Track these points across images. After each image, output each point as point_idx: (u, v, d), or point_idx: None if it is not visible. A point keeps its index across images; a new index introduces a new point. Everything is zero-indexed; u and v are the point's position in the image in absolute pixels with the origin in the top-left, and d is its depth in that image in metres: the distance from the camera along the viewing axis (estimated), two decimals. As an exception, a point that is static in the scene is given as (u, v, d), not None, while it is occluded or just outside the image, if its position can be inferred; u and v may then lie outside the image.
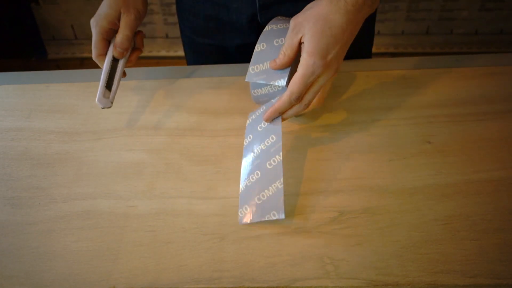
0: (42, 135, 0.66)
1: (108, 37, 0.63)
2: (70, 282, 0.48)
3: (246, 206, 0.52)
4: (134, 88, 0.73)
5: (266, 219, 0.51)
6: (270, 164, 0.53)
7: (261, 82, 0.55)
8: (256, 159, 0.54)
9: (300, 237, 0.51)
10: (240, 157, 0.61)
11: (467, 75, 0.72)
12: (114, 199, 0.56)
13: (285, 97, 0.53)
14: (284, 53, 0.53)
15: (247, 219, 0.52)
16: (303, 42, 0.52)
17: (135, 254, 0.50)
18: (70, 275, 0.49)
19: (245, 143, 0.56)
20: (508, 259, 0.47)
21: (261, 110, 0.57)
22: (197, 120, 0.67)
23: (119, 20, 0.62)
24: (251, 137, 0.56)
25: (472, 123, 0.63)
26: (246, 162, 0.55)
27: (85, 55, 2.04)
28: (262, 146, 0.54)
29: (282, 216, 0.50)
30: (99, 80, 0.76)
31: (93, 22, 0.63)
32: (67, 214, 0.55)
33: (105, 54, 0.63)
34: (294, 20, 0.53)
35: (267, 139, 0.54)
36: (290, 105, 0.53)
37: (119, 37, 0.62)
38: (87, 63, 2.03)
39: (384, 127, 0.63)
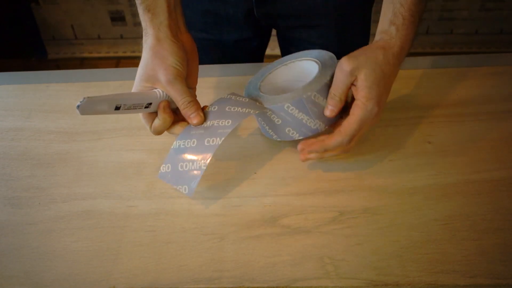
0: (42, 135, 0.66)
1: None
2: (70, 282, 0.48)
3: (169, 165, 0.54)
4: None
5: (177, 189, 0.53)
6: (208, 142, 0.53)
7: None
8: (202, 129, 0.54)
9: (300, 237, 0.51)
10: (240, 157, 0.61)
11: (467, 75, 0.71)
12: (114, 199, 0.56)
13: (338, 138, 0.53)
14: (340, 98, 0.54)
15: (165, 178, 0.54)
16: (354, 85, 0.52)
17: (135, 254, 0.50)
18: (70, 275, 0.49)
19: (207, 109, 0.56)
20: (508, 259, 0.47)
21: (245, 101, 0.57)
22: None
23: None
24: (215, 108, 0.56)
25: (472, 123, 0.63)
26: (192, 126, 0.55)
27: (85, 55, 2.04)
28: (214, 122, 0.54)
29: (190, 195, 0.52)
30: (98, 80, 0.76)
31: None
32: (67, 214, 0.55)
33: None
34: (348, 63, 0.52)
35: (223, 120, 0.54)
36: (341, 145, 0.53)
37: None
38: (87, 63, 2.03)
39: (384, 127, 0.63)
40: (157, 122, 0.54)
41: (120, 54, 2.01)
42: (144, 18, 0.53)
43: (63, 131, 0.67)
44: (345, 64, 0.52)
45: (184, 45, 0.54)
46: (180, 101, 0.53)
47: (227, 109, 0.55)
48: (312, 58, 0.61)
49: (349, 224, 0.52)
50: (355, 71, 0.51)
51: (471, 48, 1.94)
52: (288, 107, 0.55)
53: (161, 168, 0.54)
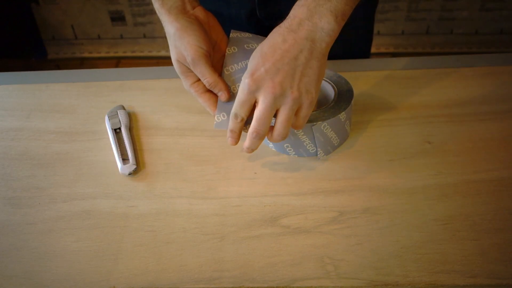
0: (42, 135, 0.66)
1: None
2: (70, 282, 0.48)
3: (224, 113, 0.54)
4: (134, 88, 0.73)
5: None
6: None
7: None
8: (240, 72, 0.55)
9: (300, 237, 0.51)
10: (240, 157, 0.61)
11: (467, 75, 0.72)
12: (114, 199, 0.56)
13: (231, 117, 0.52)
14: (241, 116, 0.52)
15: (223, 126, 0.54)
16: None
17: (135, 254, 0.50)
18: (70, 275, 0.49)
19: (229, 52, 0.56)
20: (508, 259, 0.47)
21: (251, 36, 0.57)
22: (197, 120, 0.67)
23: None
24: (235, 49, 0.56)
25: (472, 123, 0.63)
26: (239, 68, 0.55)
27: (85, 55, 2.04)
28: (244, 63, 0.55)
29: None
30: (98, 80, 0.76)
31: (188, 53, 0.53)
32: (67, 214, 0.55)
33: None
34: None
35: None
36: (235, 123, 0.52)
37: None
38: (87, 63, 2.03)
39: (384, 127, 0.63)
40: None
41: (120, 54, 2.01)
42: (156, 5, 0.55)
43: (63, 131, 0.67)
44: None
45: (198, 16, 0.55)
46: (204, 81, 0.54)
47: (245, 46, 0.56)
48: (329, 81, 0.62)
49: (349, 224, 0.52)
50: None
51: (471, 48, 1.94)
52: None
53: (216, 118, 0.54)
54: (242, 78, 0.50)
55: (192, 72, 0.54)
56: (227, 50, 0.56)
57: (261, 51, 0.50)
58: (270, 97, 0.49)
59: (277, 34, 0.50)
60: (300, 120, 0.52)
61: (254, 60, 0.50)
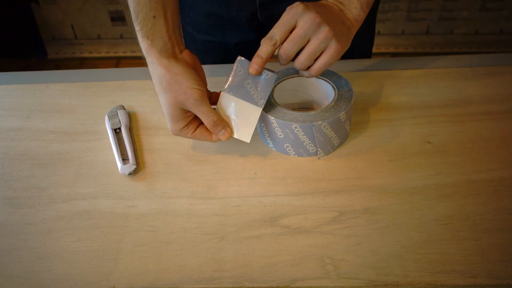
0: (42, 135, 0.66)
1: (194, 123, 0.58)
2: (70, 282, 0.48)
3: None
4: (134, 88, 0.73)
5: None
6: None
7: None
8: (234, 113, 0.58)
9: (300, 237, 0.51)
10: (240, 157, 0.61)
11: (467, 75, 0.72)
12: (114, 199, 0.56)
13: (263, 42, 0.53)
14: (279, 38, 0.53)
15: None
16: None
17: (135, 254, 0.50)
18: (70, 275, 0.49)
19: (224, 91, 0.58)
20: (508, 259, 0.47)
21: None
22: (197, 120, 0.67)
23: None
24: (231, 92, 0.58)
25: (472, 123, 0.63)
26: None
27: (85, 55, 2.04)
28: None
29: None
30: (98, 80, 0.76)
31: (176, 132, 0.57)
32: (67, 214, 0.55)
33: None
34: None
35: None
36: (267, 47, 0.53)
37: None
38: (87, 63, 2.03)
39: (384, 127, 0.63)
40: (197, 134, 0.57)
41: (120, 54, 2.01)
42: (143, 45, 0.54)
43: (63, 131, 0.67)
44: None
45: (187, 61, 0.56)
46: (206, 121, 0.55)
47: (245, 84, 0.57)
48: (329, 81, 0.62)
49: (349, 224, 0.52)
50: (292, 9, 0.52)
51: (471, 48, 1.94)
52: (295, 127, 0.56)
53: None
54: (289, 6, 0.52)
55: (185, 116, 0.55)
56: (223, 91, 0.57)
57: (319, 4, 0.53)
58: (309, 23, 0.51)
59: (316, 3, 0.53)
60: (318, 63, 0.54)
61: (315, 6, 0.52)
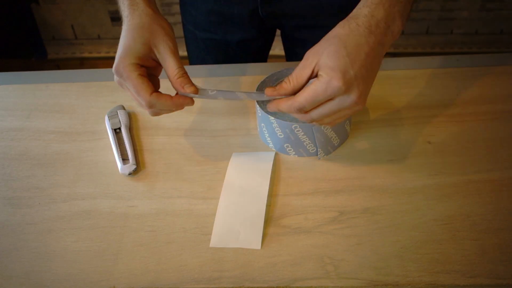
0: (42, 135, 0.66)
1: (144, 74, 0.51)
2: (70, 282, 0.48)
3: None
4: (134, 88, 0.73)
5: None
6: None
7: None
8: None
9: (300, 237, 0.51)
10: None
11: (467, 75, 0.72)
12: (114, 199, 0.56)
13: (289, 101, 0.49)
14: (289, 81, 0.49)
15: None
16: (317, 71, 0.47)
17: (135, 254, 0.50)
18: (70, 275, 0.49)
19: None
20: (508, 259, 0.47)
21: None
22: (197, 120, 0.67)
23: (149, 57, 0.51)
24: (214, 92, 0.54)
25: (472, 123, 0.63)
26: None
27: (85, 55, 2.04)
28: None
29: None
30: (98, 80, 0.76)
31: (120, 66, 0.50)
32: (67, 214, 0.55)
33: (157, 89, 0.52)
34: (309, 52, 0.49)
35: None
36: (289, 111, 0.50)
37: (176, 74, 0.51)
38: (87, 63, 2.03)
39: (384, 127, 0.63)
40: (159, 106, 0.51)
41: (120, 54, 2.01)
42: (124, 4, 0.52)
43: (63, 131, 0.67)
44: (306, 54, 0.49)
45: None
46: (174, 72, 0.50)
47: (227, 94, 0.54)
48: None
49: (349, 224, 0.52)
50: (312, 55, 0.47)
51: (471, 48, 1.94)
52: (295, 127, 0.56)
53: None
54: (325, 74, 0.46)
55: (143, 56, 0.50)
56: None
57: (346, 49, 0.46)
58: (348, 104, 0.47)
59: (358, 34, 0.46)
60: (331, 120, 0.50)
61: (341, 60, 0.46)
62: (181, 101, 0.52)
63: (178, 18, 1.54)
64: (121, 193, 0.57)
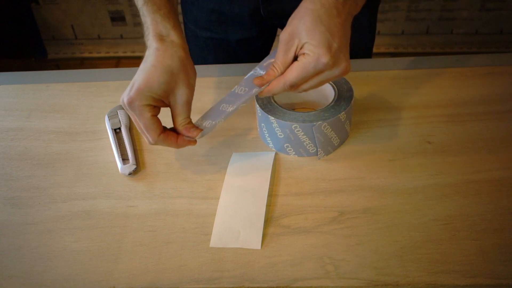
0: (42, 135, 0.66)
1: (157, 113, 0.52)
2: (70, 282, 0.48)
3: (210, 121, 0.55)
4: (134, 88, 0.73)
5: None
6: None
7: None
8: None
9: (300, 237, 0.51)
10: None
11: (467, 75, 0.72)
12: (114, 199, 0.56)
13: (280, 82, 0.51)
14: (276, 69, 0.51)
15: (206, 132, 0.55)
16: (300, 50, 0.49)
17: (135, 254, 0.50)
18: (70, 275, 0.49)
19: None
20: (508, 259, 0.47)
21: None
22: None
23: (165, 99, 0.51)
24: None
25: (472, 123, 0.63)
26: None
27: (85, 55, 2.04)
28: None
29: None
30: (98, 80, 0.76)
31: (135, 104, 0.49)
32: (67, 214, 0.55)
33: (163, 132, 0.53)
34: (284, 33, 0.50)
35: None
36: (283, 89, 0.51)
37: (183, 123, 0.53)
38: (87, 63, 2.03)
39: (384, 127, 0.63)
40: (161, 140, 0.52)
41: (120, 54, 2.01)
42: (158, 13, 0.53)
43: (63, 131, 0.67)
44: (280, 37, 0.50)
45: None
46: (184, 120, 0.53)
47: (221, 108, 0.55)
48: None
49: (349, 224, 0.52)
50: (290, 38, 0.49)
51: (471, 48, 1.94)
52: (295, 127, 0.56)
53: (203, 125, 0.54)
54: (314, 52, 0.48)
55: (158, 91, 0.50)
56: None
57: (323, 24, 0.48)
58: (337, 74, 0.49)
59: (329, 6, 0.49)
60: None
61: (322, 35, 0.48)
62: (186, 143, 0.54)
63: (179, 16, 1.53)
64: (121, 193, 0.57)
